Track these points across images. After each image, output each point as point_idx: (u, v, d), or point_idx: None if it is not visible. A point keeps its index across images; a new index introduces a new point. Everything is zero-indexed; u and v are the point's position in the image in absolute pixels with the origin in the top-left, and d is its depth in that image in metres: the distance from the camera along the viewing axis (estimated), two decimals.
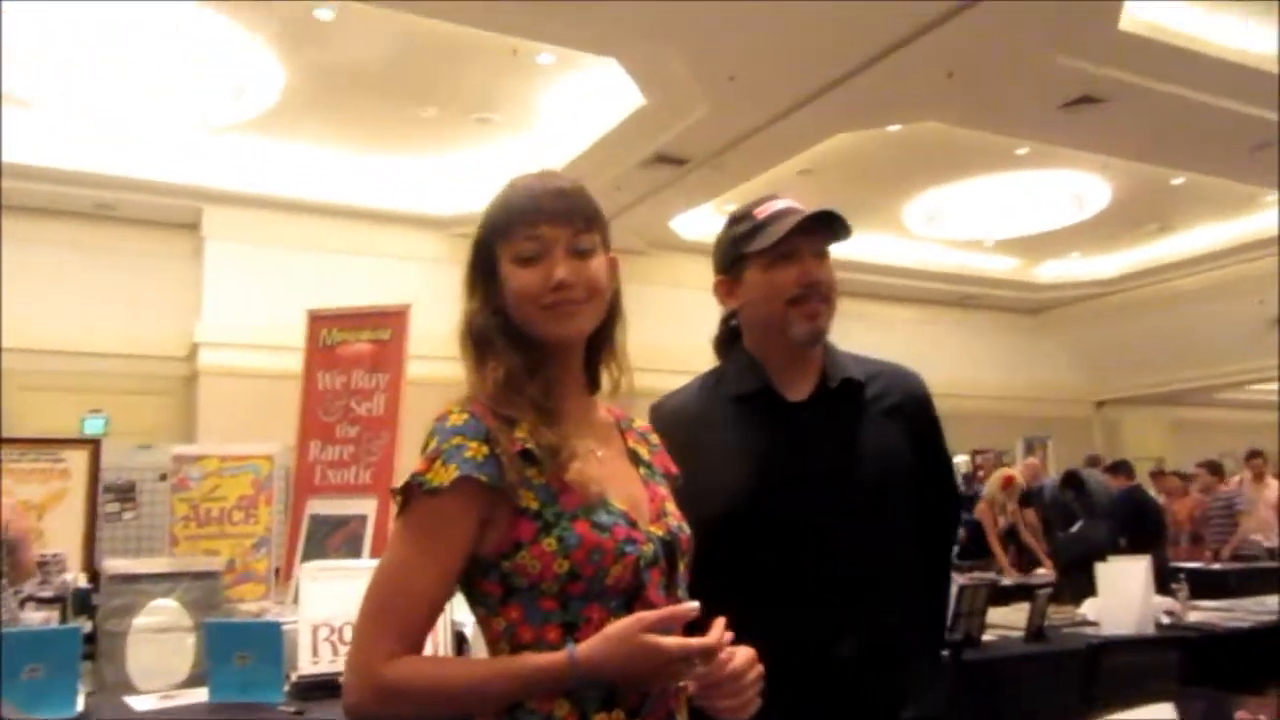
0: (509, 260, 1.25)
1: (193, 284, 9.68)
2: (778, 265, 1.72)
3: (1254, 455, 9.97)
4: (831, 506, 1.66)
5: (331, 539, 3.35)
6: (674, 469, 1.42)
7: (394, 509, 1.21)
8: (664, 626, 1.11)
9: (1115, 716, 1.73)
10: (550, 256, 1.24)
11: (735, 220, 1.81)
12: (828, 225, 1.72)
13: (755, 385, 1.75)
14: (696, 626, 1.16)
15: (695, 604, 1.15)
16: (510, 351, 1.24)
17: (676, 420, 1.75)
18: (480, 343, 1.26)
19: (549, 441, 1.20)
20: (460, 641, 2.24)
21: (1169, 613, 3.84)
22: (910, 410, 1.78)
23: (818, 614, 1.63)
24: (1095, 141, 8.69)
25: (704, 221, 10.98)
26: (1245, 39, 7.22)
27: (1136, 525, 7.71)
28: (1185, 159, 9.26)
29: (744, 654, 1.17)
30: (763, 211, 1.76)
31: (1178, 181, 10.13)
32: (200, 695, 2.18)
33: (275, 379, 7.00)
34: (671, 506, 1.34)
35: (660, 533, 1.26)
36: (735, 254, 1.77)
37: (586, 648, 1.11)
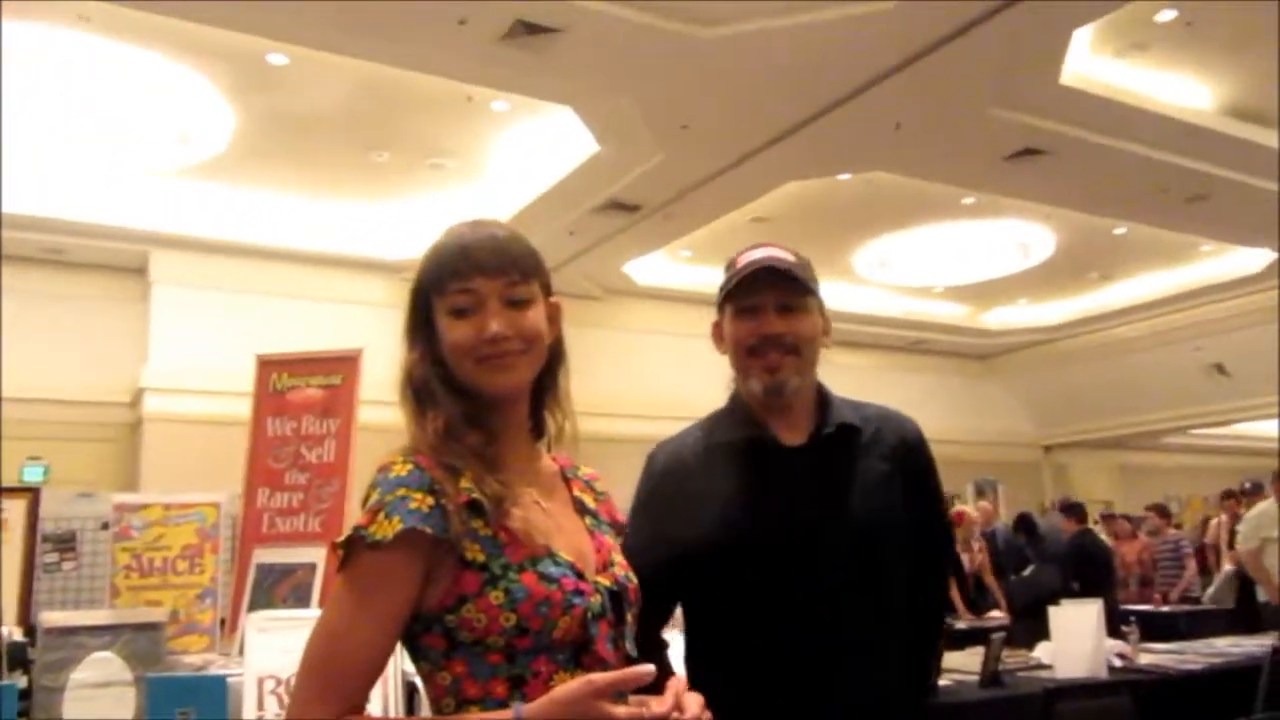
0: (444, 313, 1.24)
1: (139, 329, 9.52)
2: (739, 316, 1.73)
3: None
4: (825, 554, 1.64)
5: (278, 588, 3.27)
6: (620, 517, 1.40)
7: (336, 563, 1.17)
8: (616, 690, 1.08)
9: None
10: (484, 309, 1.23)
11: (727, 265, 1.80)
12: (780, 278, 1.72)
13: (748, 432, 1.74)
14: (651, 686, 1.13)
15: (650, 667, 1.12)
16: (450, 401, 1.22)
17: (670, 467, 1.75)
18: (420, 393, 1.24)
19: (493, 490, 1.18)
20: (411, 693, 2.19)
21: (1121, 655, 3.87)
22: (905, 455, 1.78)
23: (808, 670, 1.61)
24: (1039, 192, 8.91)
25: (658, 267, 11.06)
26: (1182, 94, 7.48)
27: (1087, 569, 7.80)
28: (1125, 209, 9.52)
29: (695, 704, 1.15)
30: (740, 259, 1.76)
31: (1119, 231, 10.40)
32: None
33: (221, 425, 6.88)
34: (619, 556, 1.31)
35: (608, 583, 1.24)
36: (718, 301, 1.78)
37: (535, 709, 1.08)
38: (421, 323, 1.27)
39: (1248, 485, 8.23)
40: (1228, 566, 8.45)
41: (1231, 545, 8.16)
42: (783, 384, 1.71)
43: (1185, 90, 7.49)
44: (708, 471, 1.72)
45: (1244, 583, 7.49)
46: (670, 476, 1.74)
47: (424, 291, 1.27)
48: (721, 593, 1.64)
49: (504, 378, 1.24)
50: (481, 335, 1.22)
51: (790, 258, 1.75)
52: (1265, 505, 6.66)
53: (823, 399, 1.78)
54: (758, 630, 1.64)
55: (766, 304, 1.71)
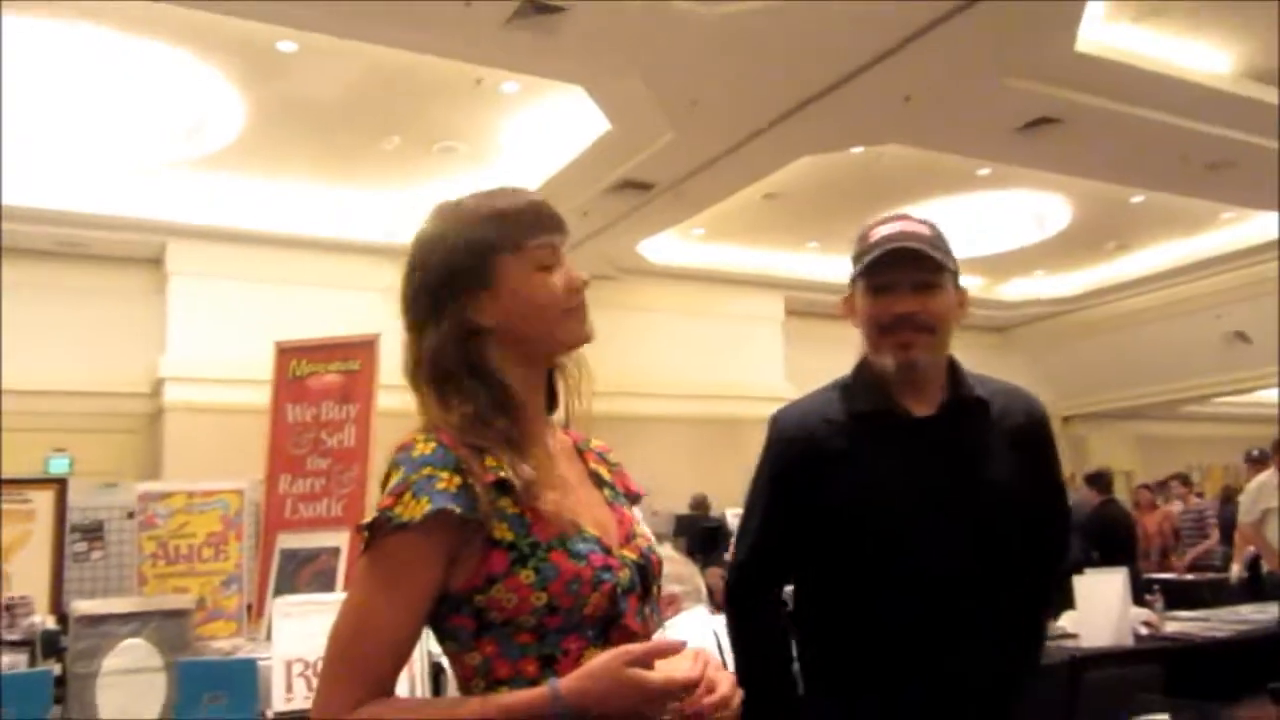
0: (528, 269, 1.22)
1: (157, 319, 9.58)
2: (873, 294, 1.72)
3: None
4: (949, 524, 1.64)
5: (302, 573, 3.29)
6: (635, 488, 1.38)
7: (360, 546, 1.15)
8: (649, 660, 1.09)
9: None
10: (562, 262, 1.25)
11: (859, 236, 1.78)
12: (919, 256, 1.69)
13: (877, 403, 1.73)
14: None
15: (682, 640, 1.13)
16: (477, 386, 1.19)
17: (797, 434, 1.75)
18: (448, 377, 1.20)
19: (526, 476, 1.16)
20: (438, 673, 2.21)
21: (1146, 624, 3.86)
22: (1030, 432, 1.77)
23: (926, 638, 1.61)
24: (1054, 162, 8.83)
25: (671, 246, 11.03)
26: (1200, 59, 7.38)
27: (1109, 539, 7.77)
28: (1143, 178, 9.42)
29: (726, 682, 1.14)
30: (874, 233, 1.75)
31: (1137, 200, 10.30)
32: None
33: (241, 413, 6.92)
34: (641, 528, 1.31)
35: (633, 556, 1.23)
36: (852, 273, 1.77)
37: (570, 682, 1.08)
38: (452, 296, 1.21)
39: (1255, 454, 8.17)
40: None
41: None
42: (915, 362, 1.70)
43: (1203, 55, 7.38)
44: (837, 440, 1.71)
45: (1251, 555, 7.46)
46: (797, 443, 1.74)
47: (483, 255, 1.21)
48: (845, 558, 1.64)
49: (586, 329, 1.26)
50: (572, 285, 1.24)
51: (925, 231, 1.73)
52: (1265, 476, 6.63)
53: (953, 371, 1.77)
54: (879, 596, 1.64)
55: (901, 282, 1.69)
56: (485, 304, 1.22)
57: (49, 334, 8.97)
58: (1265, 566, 6.76)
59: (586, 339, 1.26)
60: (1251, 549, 7.59)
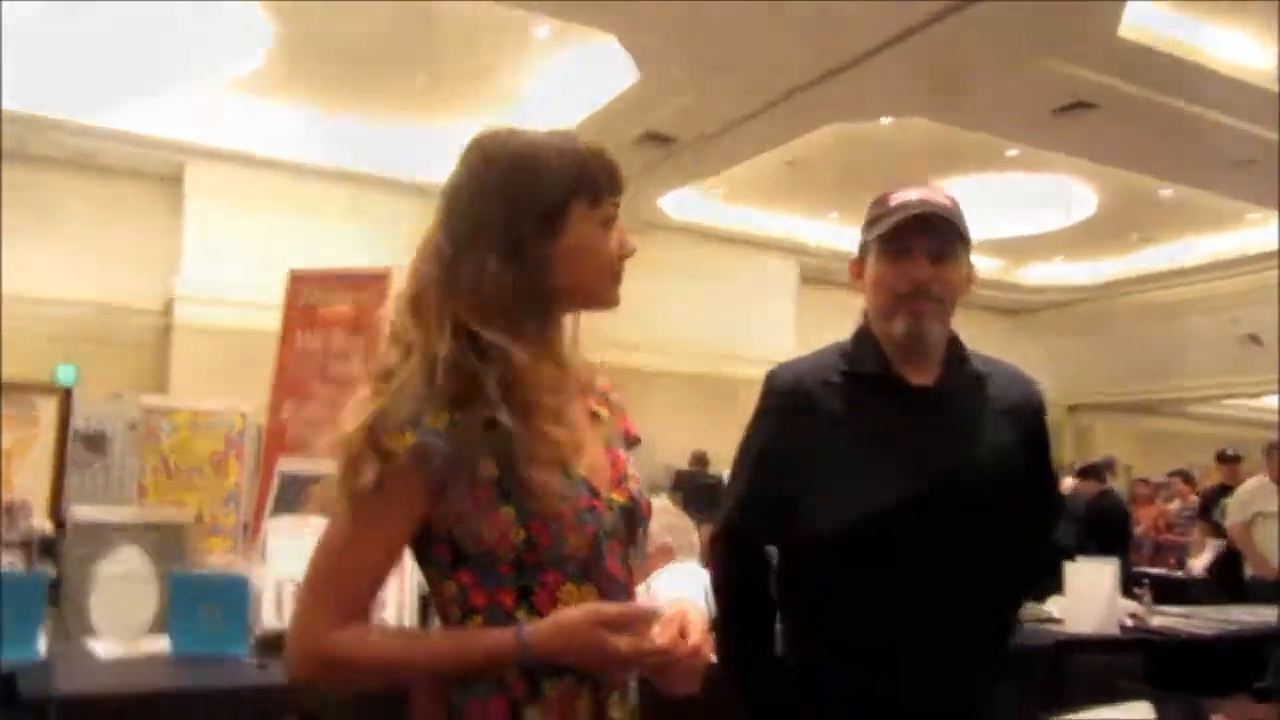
0: (594, 223, 1.20)
1: (172, 238, 9.58)
2: (888, 259, 1.70)
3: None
4: (940, 495, 1.63)
5: (301, 497, 3.32)
6: (634, 431, 1.36)
7: (342, 470, 1.13)
8: (621, 625, 1.09)
9: (1084, 714, 1.73)
10: (619, 223, 1.23)
11: (874, 202, 1.76)
12: (938, 226, 1.68)
13: (876, 368, 1.72)
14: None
15: (656, 607, 1.13)
16: (523, 321, 1.16)
17: (793, 390, 1.74)
18: (486, 309, 1.13)
19: (558, 434, 1.15)
20: (426, 602, 2.22)
21: (1133, 615, 3.87)
22: (1026, 414, 1.77)
23: (904, 608, 1.61)
24: (1086, 148, 8.73)
25: (691, 204, 10.99)
26: (1244, 54, 7.26)
27: (1104, 529, 7.78)
28: (1174, 171, 9.32)
29: (696, 630, 1.15)
30: (892, 199, 1.72)
31: (1165, 193, 10.20)
32: (163, 644, 2.16)
33: (250, 337, 6.93)
34: (633, 470, 1.29)
35: (622, 500, 1.22)
36: (863, 238, 1.75)
37: (538, 634, 1.09)
38: (523, 230, 1.15)
39: (1229, 452, 8.17)
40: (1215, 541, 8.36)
41: None
42: (925, 333, 1.69)
43: (1246, 50, 7.26)
44: (834, 402, 1.71)
45: (1231, 556, 7.47)
46: (793, 400, 1.73)
47: (562, 199, 1.17)
48: (830, 521, 1.64)
49: (618, 294, 1.25)
50: (625, 249, 1.23)
51: (945, 202, 1.72)
52: (1257, 481, 6.64)
53: (954, 345, 1.76)
54: (860, 561, 1.63)
55: (919, 250, 1.68)
56: (551, 246, 1.17)
57: (60, 243, 8.99)
58: (1249, 570, 6.77)
59: (618, 304, 1.25)
60: (1218, 543, 7.63)
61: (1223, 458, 8.35)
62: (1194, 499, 10.13)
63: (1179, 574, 8.51)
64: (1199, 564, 8.09)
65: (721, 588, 1.82)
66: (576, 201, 1.18)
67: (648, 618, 1.12)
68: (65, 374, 8.58)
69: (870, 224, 1.73)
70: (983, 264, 13.39)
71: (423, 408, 1.10)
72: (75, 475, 3.57)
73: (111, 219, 9.42)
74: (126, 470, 3.58)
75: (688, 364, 11.41)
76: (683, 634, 1.14)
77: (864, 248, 1.76)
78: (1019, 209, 11.00)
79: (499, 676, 1.12)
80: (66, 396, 3.49)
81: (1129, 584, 4.44)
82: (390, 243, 8.19)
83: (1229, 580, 7.21)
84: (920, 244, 1.68)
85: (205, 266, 9.39)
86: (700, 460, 10.04)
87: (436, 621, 1.24)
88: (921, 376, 1.71)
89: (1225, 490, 7.70)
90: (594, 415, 1.30)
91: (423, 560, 1.19)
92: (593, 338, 1.29)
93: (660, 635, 1.12)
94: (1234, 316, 12.61)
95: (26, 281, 8.55)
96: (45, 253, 8.83)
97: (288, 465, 3.47)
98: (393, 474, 1.09)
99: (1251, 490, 6.65)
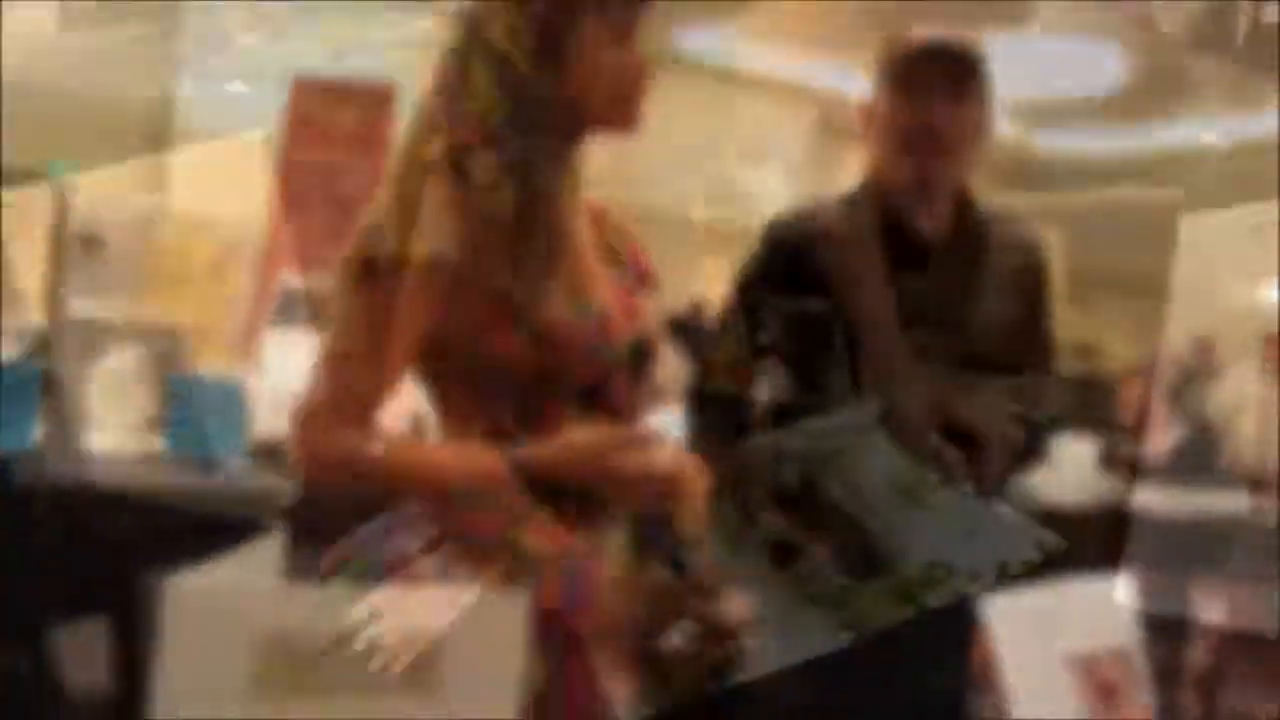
0: (600, 29, 1.13)
1: (171, 39, 9.31)
2: (903, 99, 1.59)
3: None
4: (942, 352, 1.61)
5: (300, 310, 3.33)
6: (645, 266, 1.30)
7: (346, 279, 1.10)
8: (631, 446, 1.08)
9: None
10: (637, 37, 1.15)
11: (888, 39, 1.67)
12: (951, 67, 1.58)
13: (882, 219, 1.66)
14: None
15: (660, 431, 1.13)
16: (563, 143, 1.13)
17: (795, 239, 1.68)
18: (529, 128, 1.09)
19: (557, 227, 1.13)
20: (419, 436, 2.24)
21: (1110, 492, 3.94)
22: (1032, 270, 1.73)
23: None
24: None
25: (710, 42, 10.66)
26: None
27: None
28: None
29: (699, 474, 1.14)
30: (914, 37, 1.64)
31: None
32: (158, 445, 2.19)
33: (253, 147, 6.82)
34: (647, 308, 1.26)
35: (630, 337, 1.20)
36: (876, 80, 1.65)
37: (540, 449, 1.08)
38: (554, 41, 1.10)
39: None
40: None
41: None
42: (934, 182, 1.62)
43: None
44: (832, 254, 1.66)
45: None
46: (790, 247, 1.68)
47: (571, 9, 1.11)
48: (815, 377, 1.63)
49: (639, 116, 1.18)
50: (643, 67, 1.16)
51: (970, 43, 1.63)
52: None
53: (962, 198, 1.69)
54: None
55: (935, 89, 1.58)
56: (571, 59, 1.11)
57: (66, 36, 8.72)
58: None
59: (636, 127, 1.18)
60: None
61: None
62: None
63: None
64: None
65: (698, 432, 1.82)
66: (587, 10, 1.12)
67: (653, 440, 1.11)
68: (61, 169, 8.47)
69: (886, 63, 1.64)
70: (1003, 130, 13.16)
71: (441, 216, 1.07)
72: (74, 274, 3.56)
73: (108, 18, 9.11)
74: (126, 271, 3.57)
75: (690, 208, 11.22)
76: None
77: (876, 87, 1.67)
78: (1040, 71, 10.61)
79: (495, 496, 1.11)
80: (64, 194, 3.45)
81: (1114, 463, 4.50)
82: (399, 67, 7.95)
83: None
84: (937, 85, 1.59)
85: (208, 73, 9.16)
86: (697, 309, 10.03)
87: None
88: (926, 228, 1.67)
89: None
90: (610, 249, 1.27)
91: (425, 374, 1.18)
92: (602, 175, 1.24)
93: (671, 460, 1.12)
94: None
95: (20, 75, 8.30)
96: (47, 44, 8.54)
97: (290, 279, 3.47)
98: (407, 280, 1.07)
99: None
